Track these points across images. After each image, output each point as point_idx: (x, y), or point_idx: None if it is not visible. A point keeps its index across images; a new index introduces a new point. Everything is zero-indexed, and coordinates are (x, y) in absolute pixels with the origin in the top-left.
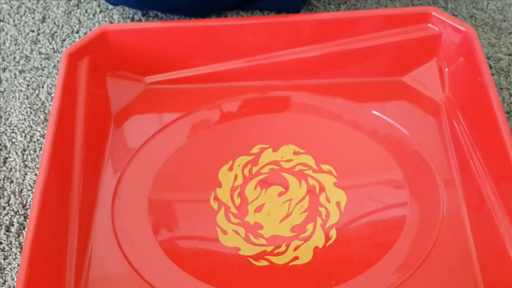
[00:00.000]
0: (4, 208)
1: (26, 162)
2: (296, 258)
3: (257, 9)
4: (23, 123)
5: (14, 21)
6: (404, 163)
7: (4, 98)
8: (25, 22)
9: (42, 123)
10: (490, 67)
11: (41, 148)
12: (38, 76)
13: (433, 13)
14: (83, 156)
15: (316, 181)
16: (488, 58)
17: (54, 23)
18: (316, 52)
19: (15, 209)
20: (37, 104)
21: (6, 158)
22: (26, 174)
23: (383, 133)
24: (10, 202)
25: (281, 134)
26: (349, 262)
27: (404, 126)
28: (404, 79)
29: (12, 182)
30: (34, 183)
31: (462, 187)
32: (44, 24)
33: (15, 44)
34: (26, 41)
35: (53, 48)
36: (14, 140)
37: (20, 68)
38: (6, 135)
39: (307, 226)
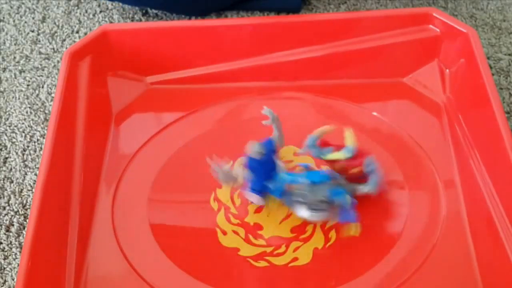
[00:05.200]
0: (4, 208)
1: (26, 162)
2: (295, 259)
3: (257, 9)
4: (23, 123)
5: (14, 21)
6: (404, 164)
7: (4, 98)
8: (25, 22)
9: (42, 123)
10: (490, 67)
11: (41, 148)
12: (38, 76)
13: (434, 14)
14: (83, 155)
15: None
16: (488, 58)
17: (54, 23)
18: (317, 53)
19: (15, 209)
20: (37, 104)
21: (6, 158)
22: (26, 174)
23: (383, 134)
24: (10, 202)
25: None
26: (349, 263)
27: (405, 127)
28: (405, 80)
29: (12, 182)
30: (34, 183)
31: (462, 187)
32: (44, 24)
33: (15, 44)
34: (26, 41)
35: (53, 48)
36: (14, 140)
37: (20, 68)
38: (6, 135)
39: (307, 227)
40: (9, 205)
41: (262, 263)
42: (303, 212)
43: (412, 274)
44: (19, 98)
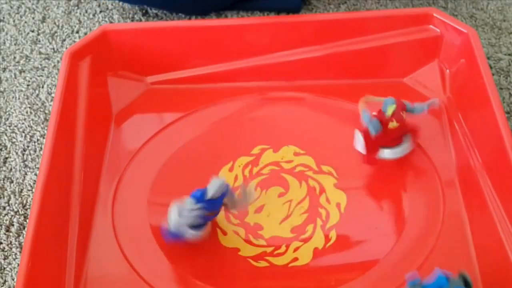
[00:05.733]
0: (4, 208)
1: (26, 162)
2: (296, 259)
3: (257, 9)
4: (23, 123)
5: (14, 21)
6: (404, 164)
7: (4, 98)
8: (25, 22)
9: (42, 123)
10: (490, 67)
11: (41, 148)
12: (38, 76)
13: (435, 14)
14: (83, 156)
15: (317, 182)
16: (488, 58)
17: (54, 23)
18: (317, 53)
19: (15, 209)
20: (37, 104)
21: (6, 158)
22: (26, 174)
23: None
24: (10, 202)
25: (282, 135)
26: (349, 263)
27: None
28: (405, 80)
29: (12, 182)
30: (34, 183)
31: (462, 187)
32: (44, 24)
33: (15, 44)
34: (26, 41)
35: (53, 48)
36: (14, 140)
37: (20, 68)
38: (6, 135)
39: (307, 227)
40: (9, 205)
41: (262, 263)
42: None
43: None
44: (19, 98)
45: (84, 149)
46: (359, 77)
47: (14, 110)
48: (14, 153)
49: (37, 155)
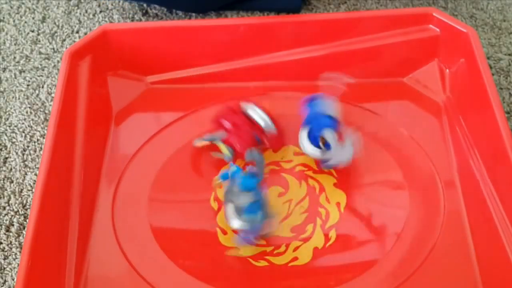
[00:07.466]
0: (4, 208)
1: (26, 162)
2: (295, 258)
3: (257, 9)
4: (23, 123)
5: (14, 21)
6: (404, 164)
7: (4, 98)
8: (25, 22)
9: (42, 123)
10: (490, 67)
11: (41, 148)
12: (38, 76)
13: (434, 14)
14: (83, 155)
15: (316, 182)
16: (488, 58)
17: (54, 23)
18: (317, 52)
19: (15, 209)
20: (37, 104)
21: (6, 158)
22: (26, 174)
23: (383, 133)
24: (10, 202)
25: (282, 135)
26: (349, 263)
27: (405, 126)
28: (405, 80)
29: (12, 182)
30: (34, 183)
31: (462, 187)
32: (44, 24)
33: (15, 44)
34: (26, 41)
35: (53, 48)
36: (14, 140)
37: (20, 68)
38: (6, 135)
39: (307, 226)
40: (9, 205)
41: (262, 263)
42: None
43: (412, 274)
44: (19, 98)
45: (84, 149)
46: (359, 77)
47: (14, 110)
48: (14, 153)
49: (37, 155)
